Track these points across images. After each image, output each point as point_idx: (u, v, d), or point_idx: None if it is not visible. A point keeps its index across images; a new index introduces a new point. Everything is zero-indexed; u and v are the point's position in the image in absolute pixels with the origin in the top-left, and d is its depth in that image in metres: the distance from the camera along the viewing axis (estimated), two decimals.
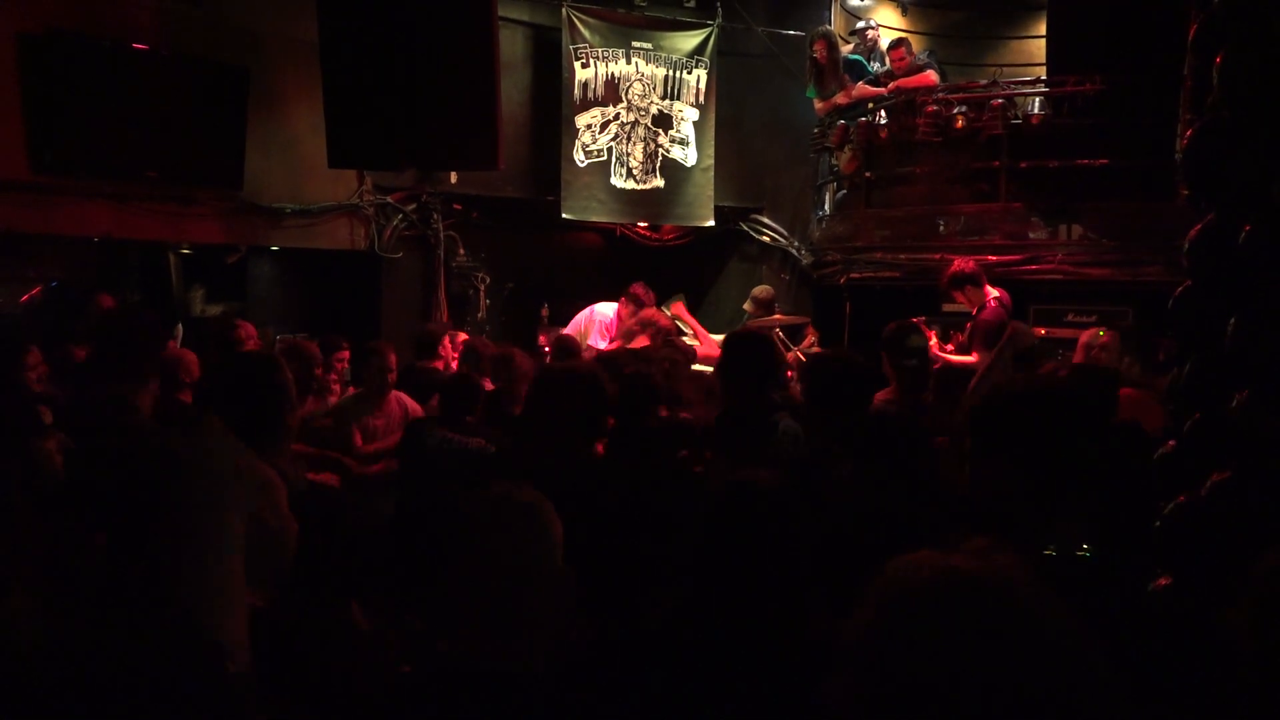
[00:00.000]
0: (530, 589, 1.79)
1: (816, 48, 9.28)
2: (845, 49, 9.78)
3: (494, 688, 1.73)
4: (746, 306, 8.58)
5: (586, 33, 9.55)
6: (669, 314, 7.79)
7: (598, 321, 8.10)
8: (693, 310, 9.09)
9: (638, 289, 7.93)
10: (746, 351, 3.96)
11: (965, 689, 1.03)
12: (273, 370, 2.74)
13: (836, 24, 10.33)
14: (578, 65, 9.54)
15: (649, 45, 9.87)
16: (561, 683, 1.79)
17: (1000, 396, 2.19)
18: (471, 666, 1.75)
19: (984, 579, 1.08)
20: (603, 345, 7.62)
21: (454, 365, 6.34)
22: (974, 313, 6.55)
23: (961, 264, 6.66)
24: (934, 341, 6.45)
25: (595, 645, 2.17)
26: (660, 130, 9.98)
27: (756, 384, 3.84)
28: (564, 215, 9.56)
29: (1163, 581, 2.36)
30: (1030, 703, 1.02)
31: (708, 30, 10.05)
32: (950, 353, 6.57)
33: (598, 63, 9.65)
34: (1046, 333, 7.54)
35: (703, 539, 2.20)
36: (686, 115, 10.08)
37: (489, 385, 5.20)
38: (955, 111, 8.26)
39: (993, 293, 6.58)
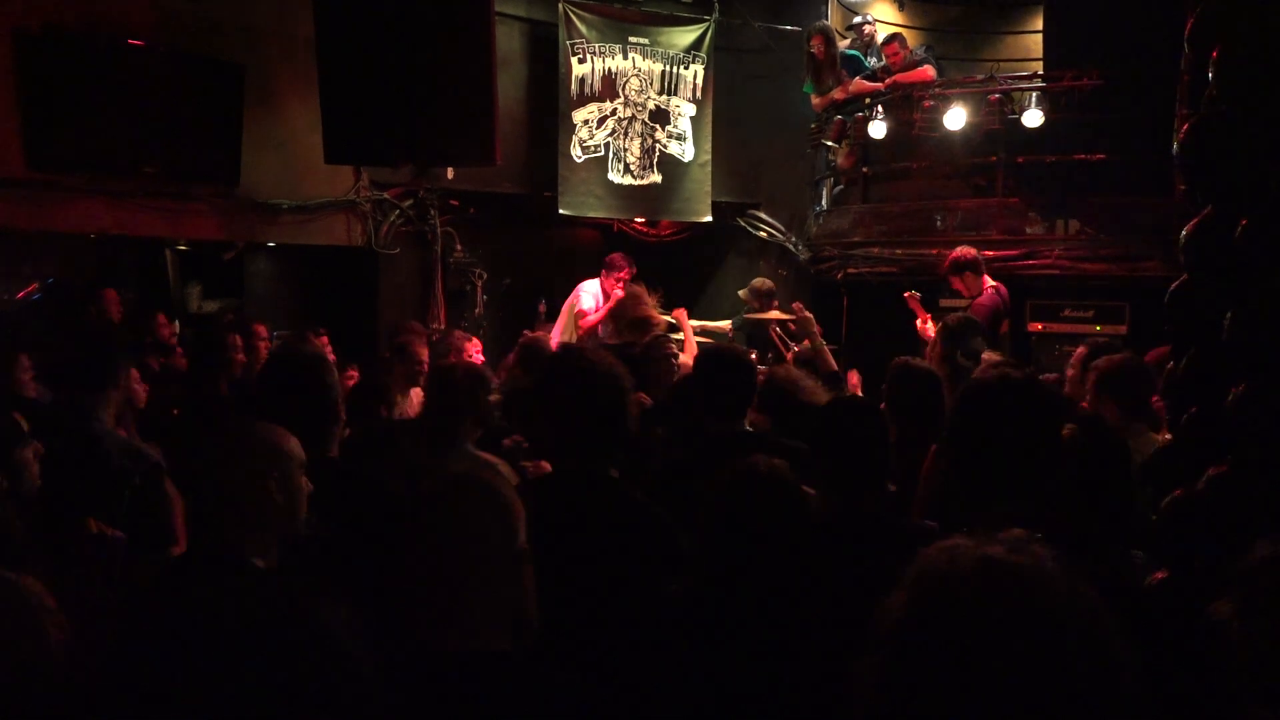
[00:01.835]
0: (488, 569, 1.80)
1: (814, 43, 9.28)
2: (842, 44, 9.78)
3: (464, 668, 1.74)
4: (743, 295, 8.50)
5: (583, 28, 9.54)
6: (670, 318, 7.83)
7: (583, 294, 8.12)
8: (690, 306, 9.08)
9: (615, 257, 7.95)
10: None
11: (999, 679, 1.03)
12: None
13: (833, 19, 10.33)
14: (575, 61, 9.53)
15: (646, 41, 9.86)
16: (532, 662, 1.80)
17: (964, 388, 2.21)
18: (439, 647, 1.77)
19: (1022, 570, 1.09)
20: (589, 309, 7.89)
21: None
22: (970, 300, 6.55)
23: (963, 250, 6.67)
24: (930, 326, 6.44)
25: (590, 627, 2.19)
26: (658, 126, 9.97)
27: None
28: (561, 211, 9.55)
29: (1159, 575, 2.37)
30: (1061, 694, 1.03)
31: (705, 25, 10.04)
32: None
33: (595, 58, 9.64)
34: (1044, 328, 7.56)
35: (710, 522, 2.25)
36: (684, 111, 10.07)
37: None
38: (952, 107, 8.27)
39: (990, 282, 6.60)
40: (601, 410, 2.57)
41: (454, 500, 1.85)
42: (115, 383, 3.43)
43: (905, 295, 6.52)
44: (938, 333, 5.32)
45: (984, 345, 5.75)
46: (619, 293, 7.64)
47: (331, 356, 6.13)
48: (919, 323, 6.44)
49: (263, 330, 6.22)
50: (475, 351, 6.59)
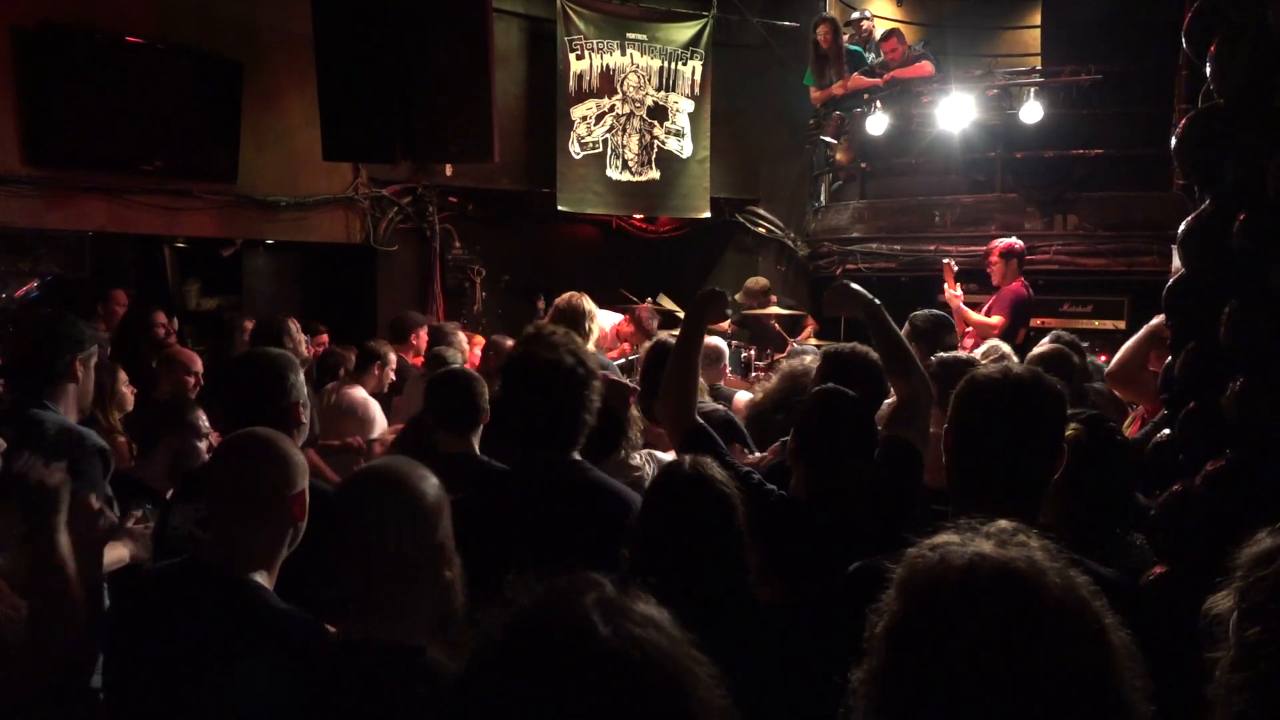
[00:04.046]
0: (410, 565, 1.85)
1: (820, 31, 9.26)
2: (843, 39, 9.77)
3: (383, 659, 1.79)
4: (739, 299, 8.51)
5: (581, 24, 9.53)
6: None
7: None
8: (688, 303, 9.06)
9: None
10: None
11: (996, 676, 1.02)
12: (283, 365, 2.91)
13: (832, 14, 10.32)
14: (573, 57, 9.52)
15: (644, 37, 9.86)
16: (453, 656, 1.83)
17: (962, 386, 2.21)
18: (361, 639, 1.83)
19: (1014, 565, 1.08)
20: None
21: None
22: (999, 286, 6.53)
23: (1013, 242, 6.63)
24: (959, 293, 6.41)
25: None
26: (656, 122, 9.97)
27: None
28: (560, 207, 9.55)
29: (1158, 570, 2.37)
30: (1063, 689, 1.02)
31: (703, 21, 10.04)
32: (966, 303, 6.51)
33: (593, 54, 9.63)
34: (1042, 324, 7.56)
35: (647, 519, 2.26)
36: (682, 107, 10.07)
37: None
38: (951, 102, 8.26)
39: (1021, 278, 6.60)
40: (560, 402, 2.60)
41: (368, 497, 1.90)
42: (65, 375, 3.41)
43: (945, 262, 6.52)
44: (907, 333, 5.31)
45: (955, 341, 5.76)
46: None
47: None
48: (947, 289, 6.40)
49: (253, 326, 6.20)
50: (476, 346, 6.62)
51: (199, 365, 4.89)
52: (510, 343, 5.58)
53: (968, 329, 6.38)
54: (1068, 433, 2.32)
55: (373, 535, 1.85)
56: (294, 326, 5.37)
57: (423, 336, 6.79)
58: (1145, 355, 3.68)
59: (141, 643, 2.05)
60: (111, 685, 2.14)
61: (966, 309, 6.42)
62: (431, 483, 1.93)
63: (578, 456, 2.66)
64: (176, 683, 1.95)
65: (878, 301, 3.19)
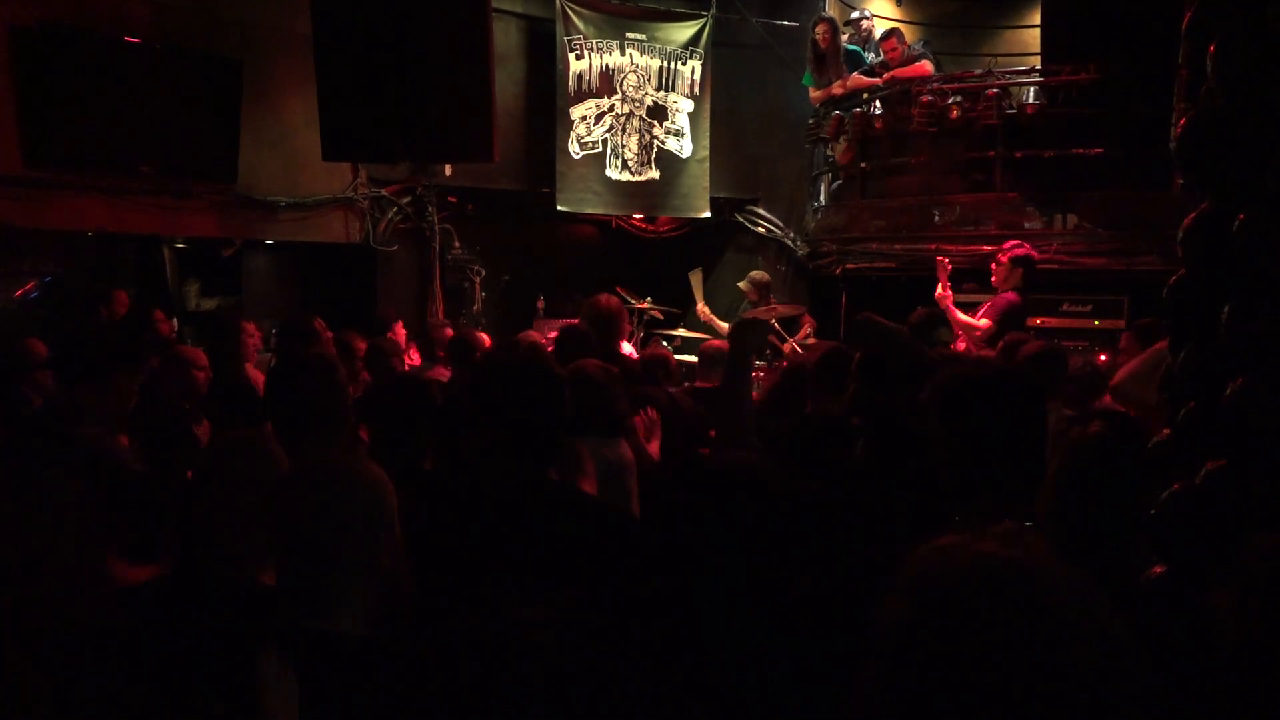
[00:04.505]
0: (355, 553, 1.85)
1: (819, 30, 9.26)
2: (842, 39, 9.78)
3: (312, 646, 1.79)
4: (743, 286, 8.51)
5: (581, 24, 9.53)
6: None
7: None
8: (686, 302, 9.08)
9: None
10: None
11: (1003, 678, 1.02)
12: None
13: (831, 14, 10.32)
14: (572, 57, 9.52)
15: (644, 36, 9.86)
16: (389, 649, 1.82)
17: (943, 380, 2.21)
18: (293, 624, 1.82)
19: (1020, 565, 1.07)
20: None
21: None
22: (998, 289, 6.48)
23: (1031, 250, 6.57)
24: (948, 294, 6.37)
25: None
26: (655, 122, 9.97)
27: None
28: (559, 207, 9.55)
29: (1158, 570, 2.37)
30: (1069, 691, 1.02)
31: (702, 21, 10.04)
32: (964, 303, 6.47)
33: (592, 54, 9.64)
34: (1042, 323, 7.55)
35: (684, 520, 2.24)
36: (681, 106, 10.07)
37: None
38: (950, 101, 8.26)
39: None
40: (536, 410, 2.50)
41: (315, 485, 1.91)
42: (111, 387, 3.37)
43: (939, 259, 6.49)
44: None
45: (950, 336, 5.75)
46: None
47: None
48: (939, 290, 6.38)
49: (251, 327, 6.21)
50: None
51: (205, 360, 4.90)
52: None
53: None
54: (1090, 429, 2.32)
55: (305, 520, 1.86)
56: (320, 326, 5.40)
57: (399, 330, 6.84)
58: (1156, 374, 3.67)
59: (148, 650, 2.05)
60: (119, 690, 2.14)
61: (955, 309, 6.41)
62: (370, 469, 1.94)
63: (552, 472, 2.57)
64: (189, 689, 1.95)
65: (903, 329, 3.23)
